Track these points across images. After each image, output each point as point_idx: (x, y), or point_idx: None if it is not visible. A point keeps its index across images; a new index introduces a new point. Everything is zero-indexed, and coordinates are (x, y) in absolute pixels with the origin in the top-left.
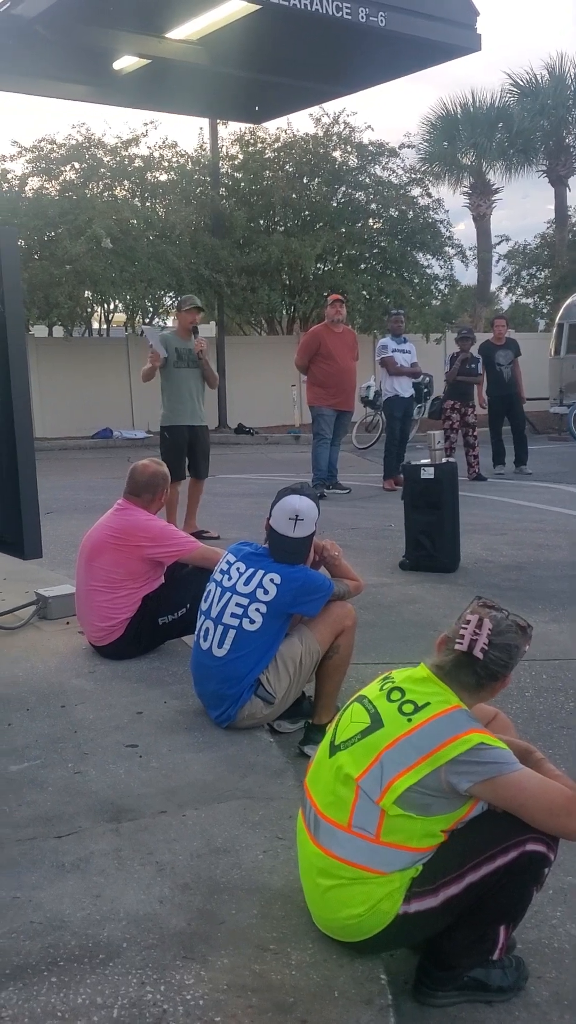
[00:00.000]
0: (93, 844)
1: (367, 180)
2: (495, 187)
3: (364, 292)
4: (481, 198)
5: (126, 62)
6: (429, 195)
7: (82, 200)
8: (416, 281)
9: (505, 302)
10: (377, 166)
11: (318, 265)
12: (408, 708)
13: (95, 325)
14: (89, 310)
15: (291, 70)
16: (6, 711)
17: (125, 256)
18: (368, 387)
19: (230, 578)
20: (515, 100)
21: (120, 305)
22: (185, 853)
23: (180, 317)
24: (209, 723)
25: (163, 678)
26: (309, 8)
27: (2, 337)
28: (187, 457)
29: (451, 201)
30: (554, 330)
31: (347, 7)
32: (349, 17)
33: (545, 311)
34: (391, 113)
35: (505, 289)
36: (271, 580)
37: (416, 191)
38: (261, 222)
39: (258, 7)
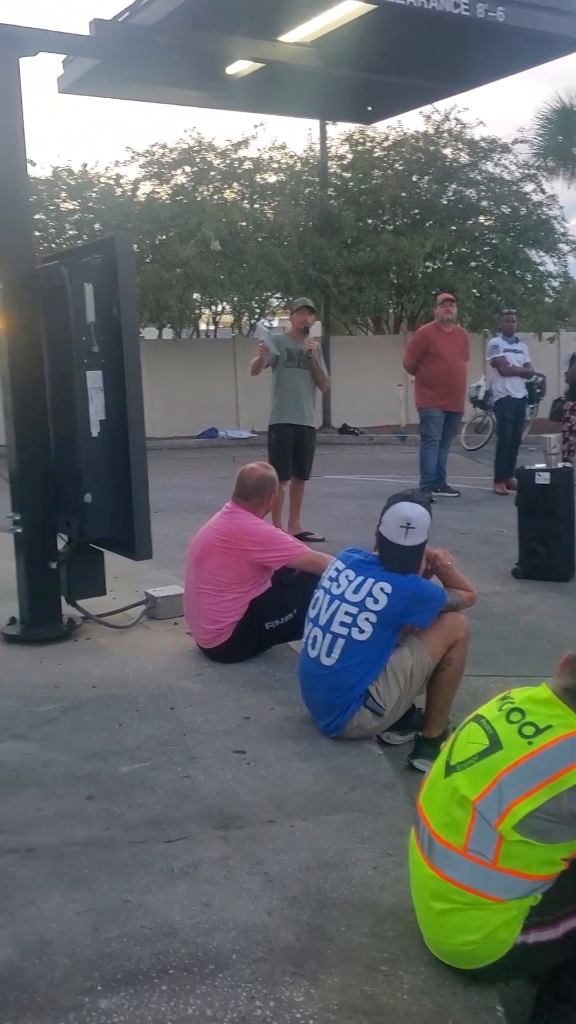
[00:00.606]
0: (202, 851)
1: (478, 177)
2: None
3: (474, 290)
4: None
5: (239, 67)
6: (543, 191)
7: (192, 203)
8: (528, 279)
9: None
10: (489, 162)
11: (426, 263)
12: (529, 730)
13: (202, 326)
14: (197, 312)
15: (405, 69)
16: (117, 711)
17: (234, 258)
18: (478, 387)
19: (339, 586)
20: None
21: (227, 307)
22: (294, 865)
23: (292, 318)
24: (316, 732)
25: (270, 683)
26: (426, 6)
27: (117, 344)
28: (292, 457)
29: (565, 196)
30: None
31: (465, 3)
32: (467, 13)
33: None
34: (503, 108)
35: None
36: (381, 589)
37: (529, 187)
38: (369, 221)
39: (374, 7)
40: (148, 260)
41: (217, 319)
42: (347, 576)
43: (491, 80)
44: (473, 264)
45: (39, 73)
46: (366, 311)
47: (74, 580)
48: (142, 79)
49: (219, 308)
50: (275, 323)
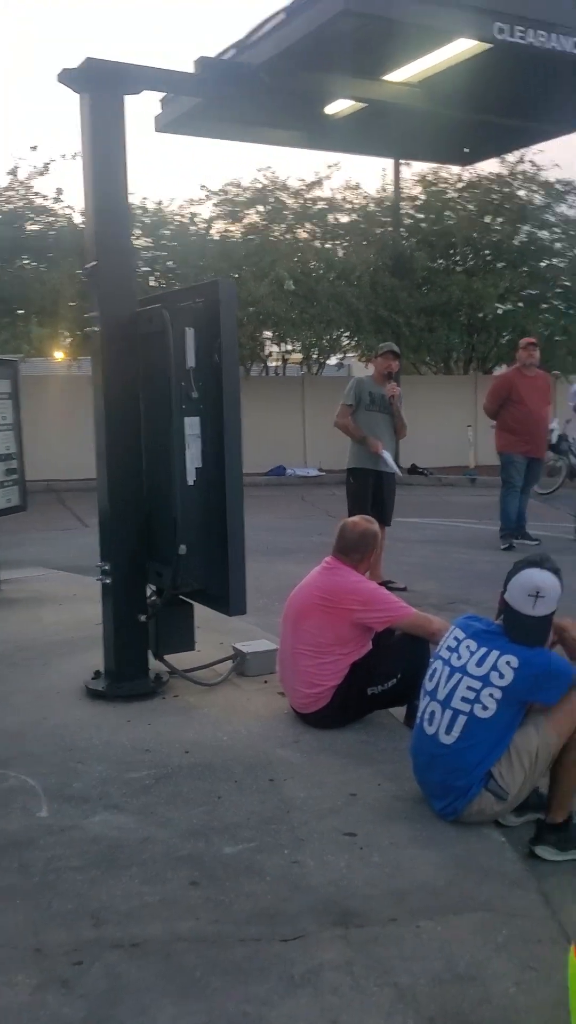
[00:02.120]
0: (322, 953)
1: (551, 218)
2: None
3: (545, 331)
4: None
5: (340, 106)
6: None
7: (265, 242)
8: None
9: None
10: (563, 204)
11: (497, 305)
12: None
13: (271, 364)
14: (267, 350)
15: (509, 110)
16: (214, 781)
17: (305, 297)
18: (551, 431)
19: (459, 657)
20: None
21: (298, 344)
22: (426, 976)
23: (376, 362)
24: (430, 814)
25: (373, 754)
26: (545, 46)
27: (217, 390)
28: (372, 502)
29: None
30: None
31: None
32: None
33: None
34: None
35: None
36: (507, 663)
37: None
38: (440, 261)
39: (489, 46)
40: None
41: (286, 357)
42: (468, 647)
43: None
44: (545, 306)
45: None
46: (436, 351)
47: (162, 634)
48: (241, 119)
49: (289, 346)
50: (349, 364)
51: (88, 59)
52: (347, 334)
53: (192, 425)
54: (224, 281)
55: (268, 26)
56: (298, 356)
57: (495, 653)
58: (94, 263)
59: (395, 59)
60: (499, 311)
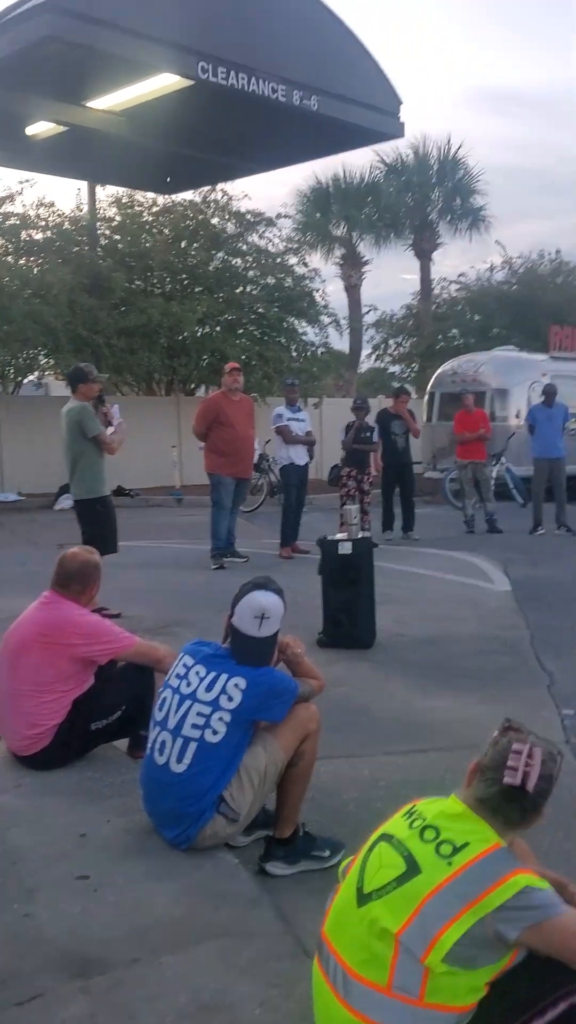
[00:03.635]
0: (63, 1010)
1: (244, 247)
2: (365, 259)
3: (243, 356)
4: (352, 268)
5: (41, 127)
6: (306, 264)
7: None
8: (293, 347)
9: (364, 365)
10: (255, 234)
11: (196, 328)
12: (446, 849)
13: None
14: None
15: (213, 145)
16: None
17: None
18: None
19: (189, 684)
20: (383, 176)
21: None
22: (172, 1013)
23: (87, 388)
24: (163, 844)
25: (100, 790)
26: (246, 88)
27: None
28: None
29: (324, 270)
30: (425, 398)
31: (282, 89)
32: (284, 99)
33: (410, 378)
34: (265, 182)
35: (373, 356)
36: (235, 685)
37: (293, 259)
38: (139, 283)
39: (191, 83)
40: None
41: None
42: (197, 672)
43: (294, 163)
44: (240, 331)
45: None
46: (138, 373)
47: None
48: None
49: None
50: (47, 383)
51: None
52: (44, 353)
53: None
54: None
55: None
56: None
57: (224, 676)
58: None
59: (99, 87)
60: (198, 334)
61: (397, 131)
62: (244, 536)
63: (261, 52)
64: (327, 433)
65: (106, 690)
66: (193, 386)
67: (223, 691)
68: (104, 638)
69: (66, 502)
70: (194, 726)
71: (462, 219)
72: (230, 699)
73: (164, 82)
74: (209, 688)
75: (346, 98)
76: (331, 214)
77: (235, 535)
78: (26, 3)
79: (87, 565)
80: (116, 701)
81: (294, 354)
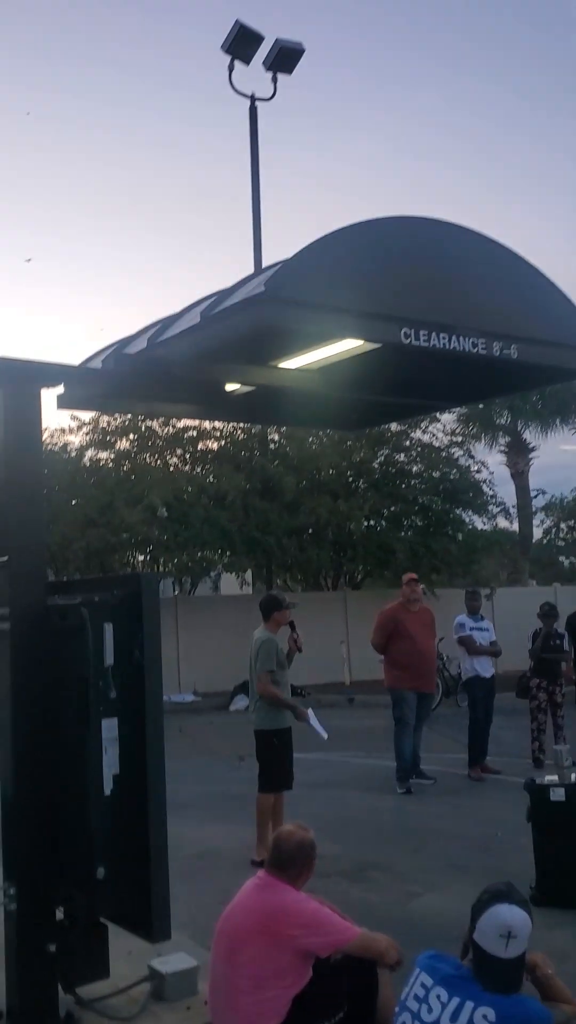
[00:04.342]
0: None
1: (408, 443)
2: (531, 445)
3: (410, 548)
4: (518, 456)
5: (237, 386)
6: (471, 456)
7: (137, 469)
8: (460, 538)
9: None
10: (418, 430)
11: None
12: None
13: None
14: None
15: (404, 391)
16: None
17: (179, 521)
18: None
19: (431, 1011)
20: None
21: (170, 567)
22: None
23: (281, 615)
24: None
25: None
26: (447, 347)
27: (138, 688)
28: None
29: (488, 459)
30: None
31: (482, 342)
32: (484, 352)
33: None
34: None
35: (545, 540)
36: (484, 1016)
37: (457, 451)
38: (305, 483)
39: (377, 346)
40: (95, 525)
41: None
42: (438, 996)
43: (485, 400)
44: (406, 522)
45: None
46: (307, 570)
47: (74, 963)
48: (146, 398)
49: (161, 569)
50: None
51: (2, 359)
52: (219, 554)
53: (110, 727)
54: (146, 575)
55: (181, 326)
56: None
57: (469, 1005)
58: (5, 558)
59: (296, 351)
60: (364, 528)
61: None
62: (427, 748)
63: (461, 311)
64: (502, 625)
65: (326, 987)
66: (360, 579)
67: (470, 1022)
68: (325, 928)
69: (241, 703)
70: None
71: None
72: None
73: (351, 344)
74: (454, 1018)
75: (546, 342)
76: (495, 404)
77: (420, 754)
78: (236, 293)
79: (303, 845)
80: (338, 1001)
81: (464, 546)
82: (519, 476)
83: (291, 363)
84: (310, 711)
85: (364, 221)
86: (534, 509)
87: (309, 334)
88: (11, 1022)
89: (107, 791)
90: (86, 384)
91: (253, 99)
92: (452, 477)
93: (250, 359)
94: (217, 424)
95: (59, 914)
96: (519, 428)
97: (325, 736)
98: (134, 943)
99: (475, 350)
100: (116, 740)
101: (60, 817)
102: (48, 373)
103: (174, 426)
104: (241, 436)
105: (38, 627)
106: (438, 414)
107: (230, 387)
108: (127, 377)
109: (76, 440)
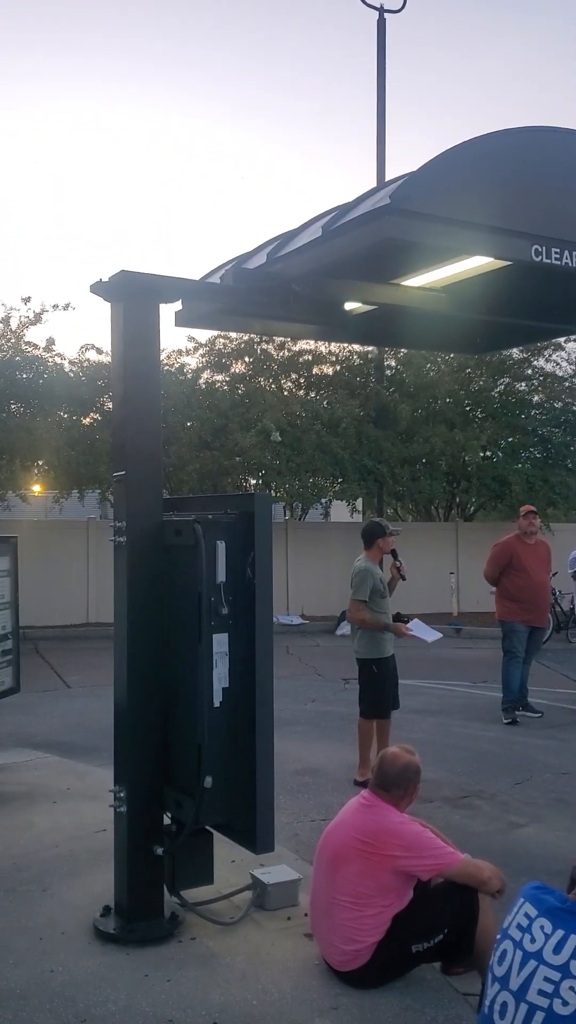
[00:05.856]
0: None
1: (530, 371)
2: None
3: (527, 481)
4: None
5: (359, 305)
6: None
7: (252, 393)
8: None
9: None
10: (541, 358)
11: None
12: None
13: None
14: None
15: (530, 312)
16: None
17: (292, 447)
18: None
19: (533, 940)
20: None
21: (282, 492)
22: None
23: (384, 543)
24: None
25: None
26: (571, 264)
27: (249, 606)
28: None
29: None
30: None
31: None
32: None
33: None
34: None
35: None
36: None
37: None
38: (421, 412)
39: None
40: (208, 447)
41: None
42: (542, 927)
43: None
44: (524, 454)
45: None
46: (419, 500)
47: (179, 868)
48: (263, 316)
49: (273, 494)
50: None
51: (123, 272)
52: (331, 481)
53: (221, 642)
54: (260, 495)
55: (302, 239)
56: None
57: (573, 938)
58: (122, 472)
59: (420, 268)
60: (480, 460)
61: None
62: (536, 683)
63: None
64: None
65: (427, 909)
66: (473, 511)
67: (574, 955)
68: (427, 852)
69: (346, 628)
70: (541, 992)
71: None
72: None
73: (481, 261)
74: (557, 950)
75: None
76: None
77: (528, 687)
78: (360, 206)
79: (408, 768)
80: (438, 923)
81: None
82: None
83: (414, 281)
84: (414, 621)
85: (496, 131)
86: None
87: (435, 249)
88: (119, 918)
89: (216, 703)
90: (204, 300)
91: (382, 11)
92: (575, 408)
93: (372, 276)
94: (333, 348)
95: (167, 819)
96: None
97: (432, 639)
98: (237, 852)
99: None
100: (227, 655)
101: (170, 726)
102: (167, 288)
103: (289, 349)
104: (357, 362)
105: (153, 542)
106: (564, 340)
107: (350, 306)
108: (245, 293)
109: (192, 362)
